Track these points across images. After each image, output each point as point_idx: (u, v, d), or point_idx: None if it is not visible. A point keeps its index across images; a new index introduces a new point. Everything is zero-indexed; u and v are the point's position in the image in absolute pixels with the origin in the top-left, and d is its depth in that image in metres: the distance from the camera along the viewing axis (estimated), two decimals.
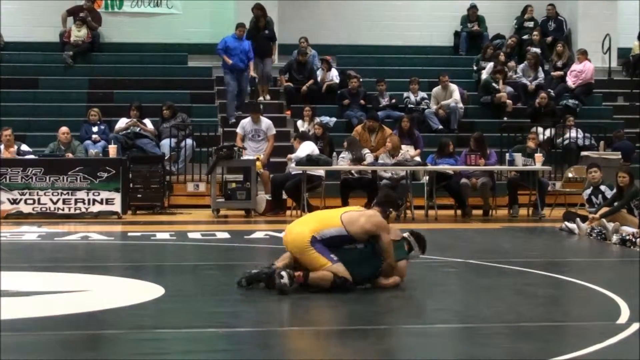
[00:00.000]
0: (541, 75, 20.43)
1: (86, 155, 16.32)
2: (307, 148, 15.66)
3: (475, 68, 21.05)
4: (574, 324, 6.88)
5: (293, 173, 15.61)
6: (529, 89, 20.09)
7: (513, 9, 22.57)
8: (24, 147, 16.05)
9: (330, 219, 8.15)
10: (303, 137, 16.25)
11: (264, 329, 6.73)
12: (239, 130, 16.66)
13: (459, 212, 15.85)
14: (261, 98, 19.51)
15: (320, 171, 15.66)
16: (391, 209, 8.32)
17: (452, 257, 8.47)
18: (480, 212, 15.76)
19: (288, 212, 15.79)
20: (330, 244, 7.96)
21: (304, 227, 8.07)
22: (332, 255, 7.91)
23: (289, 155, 16.22)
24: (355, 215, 8.13)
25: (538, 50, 21.40)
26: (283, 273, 7.77)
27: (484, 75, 20.25)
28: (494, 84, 19.85)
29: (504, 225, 14.52)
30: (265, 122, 16.81)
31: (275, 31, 19.90)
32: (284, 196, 15.89)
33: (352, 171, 15.76)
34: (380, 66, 21.32)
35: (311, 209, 15.40)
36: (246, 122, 16.69)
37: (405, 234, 8.24)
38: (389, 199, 8.56)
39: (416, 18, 22.36)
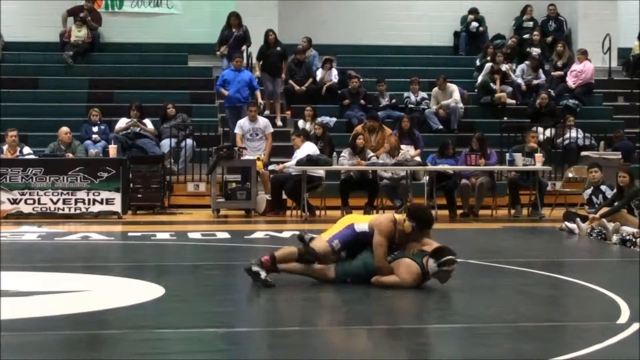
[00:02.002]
0: (541, 77, 20.42)
1: (86, 155, 16.32)
2: (309, 149, 15.60)
3: (477, 66, 21.02)
4: (574, 324, 6.87)
5: (293, 173, 15.59)
6: (530, 87, 20.10)
7: (513, 9, 22.57)
8: (26, 150, 16.04)
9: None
10: (306, 136, 16.15)
11: (263, 329, 6.73)
12: (237, 130, 16.60)
13: (459, 211, 15.82)
14: (278, 122, 18.85)
15: (320, 171, 15.65)
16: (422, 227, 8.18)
17: None
18: (480, 212, 15.74)
19: (288, 212, 15.79)
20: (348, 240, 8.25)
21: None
22: (334, 240, 8.17)
23: (281, 166, 16.12)
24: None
25: (538, 50, 21.42)
26: (254, 268, 8.04)
27: (481, 76, 20.24)
28: (491, 84, 19.87)
29: (504, 225, 14.52)
30: (263, 120, 16.78)
31: (285, 48, 19.49)
32: (284, 196, 15.87)
33: (352, 171, 15.76)
34: (380, 66, 21.32)
35: (311, 209, 15.42)
36: (243, 122, 16.59)
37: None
38: (423, 216, 8.32)
39: (416, 18, 22.36)
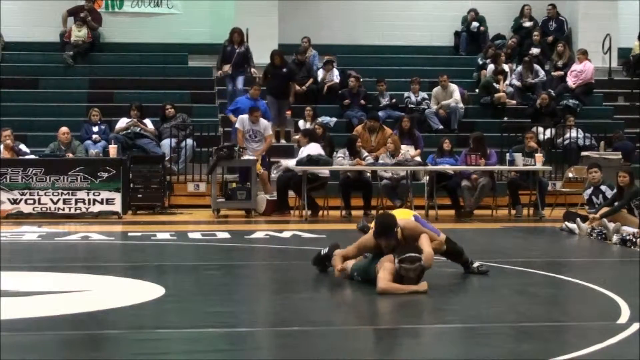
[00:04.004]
0: (540, 74, 20.41)
1: (86, 155, 16.33)
2: (311, 150, 15.54)
3: (478, 66, 21.01)
4: (574, 324, 6.87)
5: (299, 174, 15.52)
6: (532, 87, 20.11)
7: (513, 9, 22.57)
8: (23, 147, 16.05)
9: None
10: (311, 137, 16.05)
11: (263, 328, 6.73)
12: (238, 125, 16.49)
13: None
14: (277, 140, 18.14)
15: (325, 171, 15.61)
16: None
17: None
18: (480, 212, 15.74)
19: (292, 212, 15.76)
20: None
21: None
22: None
23: (282, 162, 16.09)
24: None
25: (538, 50, 21.42)
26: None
27: (486, 75, 20.25)
28: (494, 84, 19.88)
29: (504, 225, 14.52)
30: (264, 122, 16.72)
31: (293, 70, 18.87)
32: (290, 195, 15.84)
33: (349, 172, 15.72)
34: (380, 66, 21.32)
35: (315, 206, 15.41)
36: (245, 119, 16.47)
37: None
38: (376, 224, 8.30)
39: (416, 18, 22.37)
